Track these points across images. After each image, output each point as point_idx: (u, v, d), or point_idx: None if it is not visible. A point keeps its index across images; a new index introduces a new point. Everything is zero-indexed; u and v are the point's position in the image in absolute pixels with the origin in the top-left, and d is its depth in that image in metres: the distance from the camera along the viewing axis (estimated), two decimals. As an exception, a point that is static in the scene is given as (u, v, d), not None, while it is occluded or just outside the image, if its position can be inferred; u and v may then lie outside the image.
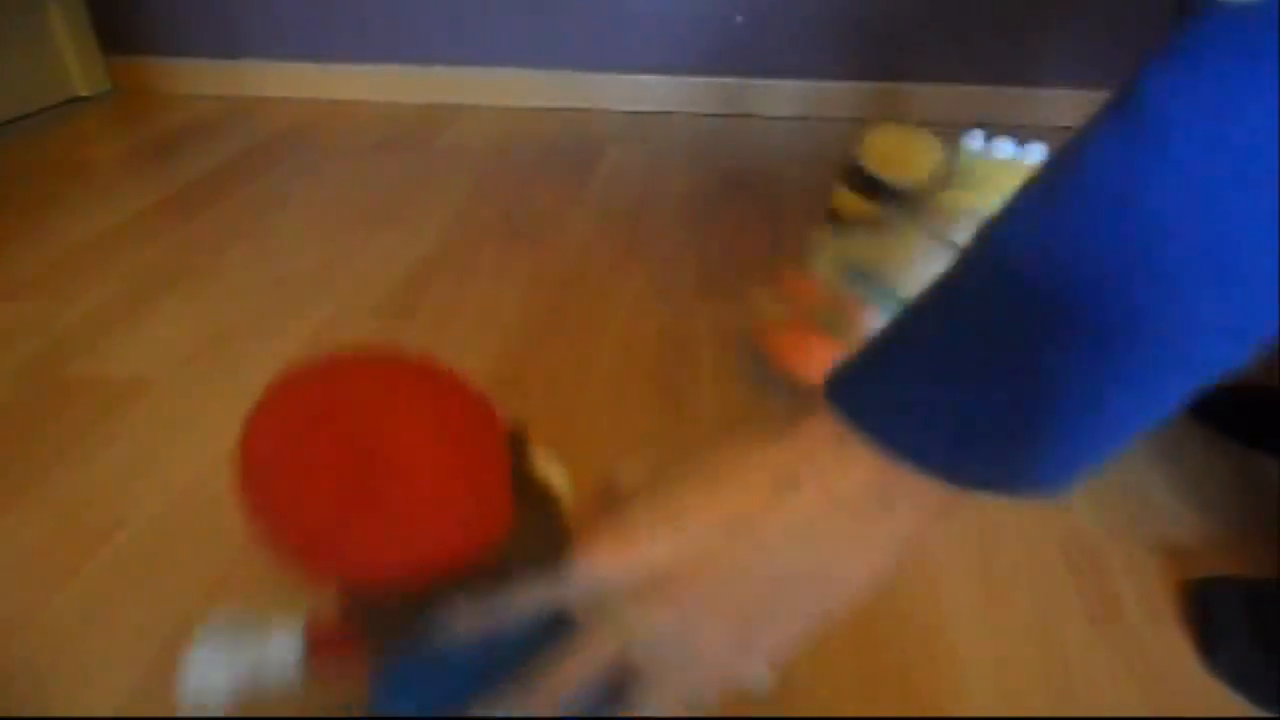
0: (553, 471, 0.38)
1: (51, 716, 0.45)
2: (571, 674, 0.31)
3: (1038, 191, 0.26)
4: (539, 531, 0.34)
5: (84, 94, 1.53)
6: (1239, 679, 0.48)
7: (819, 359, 0.60)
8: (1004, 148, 0.70)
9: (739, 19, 1.49)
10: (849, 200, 0.81)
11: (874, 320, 0.67)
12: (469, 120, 1.51)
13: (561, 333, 0.81)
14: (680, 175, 1.21)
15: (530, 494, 0.35)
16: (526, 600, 0.31)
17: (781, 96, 1.54)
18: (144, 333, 0.80)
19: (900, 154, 0.78)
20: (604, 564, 0.30)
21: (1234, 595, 0.52)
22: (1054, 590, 0.54)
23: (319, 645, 0.37)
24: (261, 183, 1.20)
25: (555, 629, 0.31)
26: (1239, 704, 0.47)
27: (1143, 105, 0.24)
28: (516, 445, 0.36)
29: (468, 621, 0.31)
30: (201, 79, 1.61)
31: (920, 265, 0.68)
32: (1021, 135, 0.74)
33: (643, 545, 0.30)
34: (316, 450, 0.31)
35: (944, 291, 0.28)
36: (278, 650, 0.38)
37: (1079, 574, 0.55)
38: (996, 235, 0.27)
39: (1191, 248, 0.23)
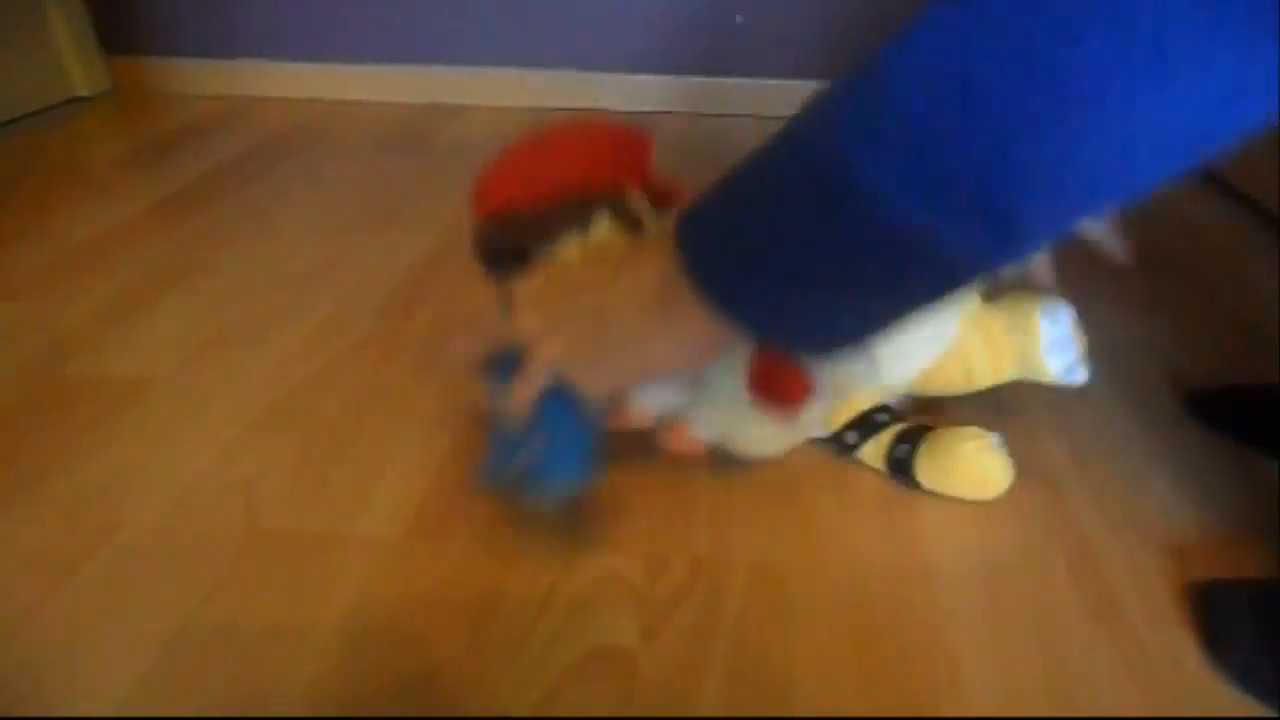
0: (646, 213, 0.52)
1: (51, 716, 0.45)
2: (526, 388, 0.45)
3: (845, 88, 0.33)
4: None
5: (84, 94, 1.53)
6: (1246, 679, 0.48)
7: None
8: None
9: (739, 19, 1.49)
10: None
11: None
12: (469, 120, 1.51)
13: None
14: (680, 175, 1.21)
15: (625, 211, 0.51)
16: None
17: (781, 96, 1.54)
18: (144, 333, 0.80)
19: None
20: (520, 321, 0.50)
21: (1238, 597, 0.52)
22: (1054, 590, 0.54)
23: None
24: (261, 183, 1.20)
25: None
26: (1239, 704, 0.47)
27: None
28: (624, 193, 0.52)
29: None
30: (201, 79, 1.61)
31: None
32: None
33: (534, 310, 0.48)
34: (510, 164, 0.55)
35: (758, 161, 0.35)
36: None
37: (1079, 574, 0.55)
38: (799, 120, 0.34)
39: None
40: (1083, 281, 0.93)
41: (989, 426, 0.61)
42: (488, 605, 0.51)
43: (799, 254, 0.32)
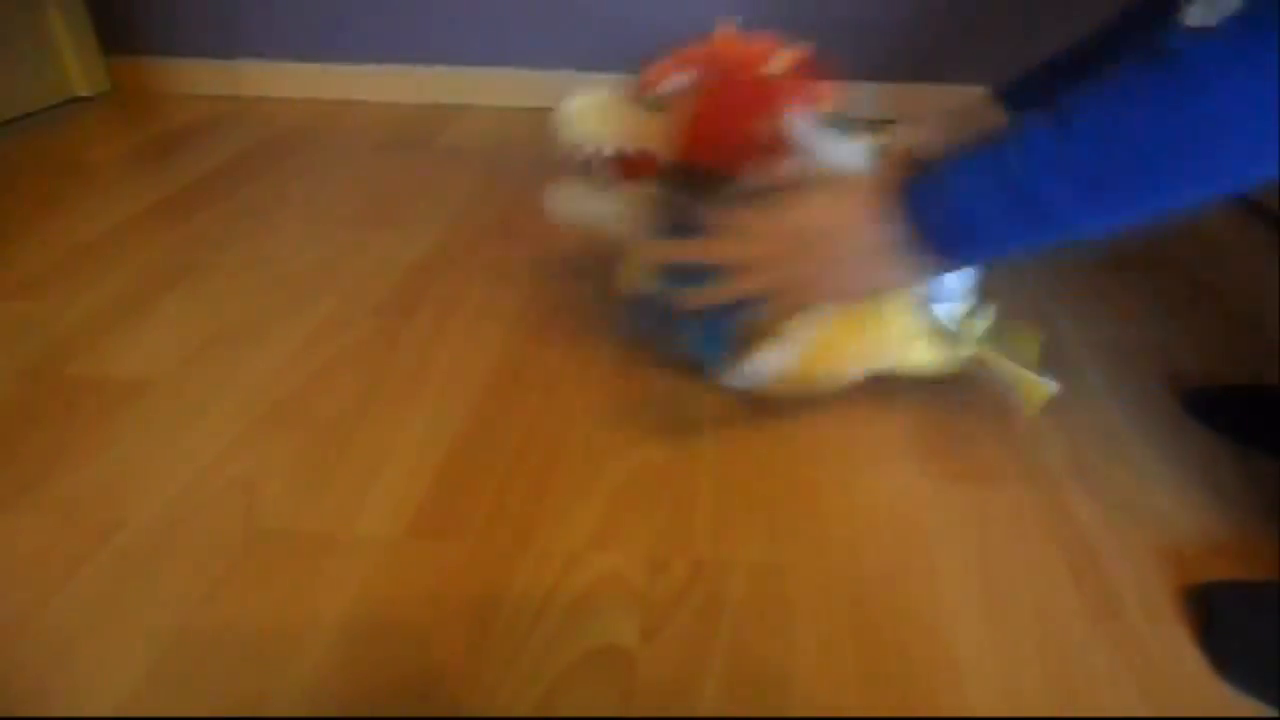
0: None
1: (51, 717, 0.45)
2: (712, 297, 0.56)
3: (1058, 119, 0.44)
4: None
5: (84, 94, 1.53)
6: (1245, 680, 0.48)
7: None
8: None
9: (738, 19, 1.49)
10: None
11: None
12: (469, 120, 1.51)
13: (562, 332, 0.81)
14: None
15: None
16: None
17: (781, 96, 1.54)
18: (144, 333, 0.80)
19: None
20: (720, 248, 0.56)
21: (1237, 597, 0.52)
22: (1054, 590, 0.54)
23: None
24: (261, 183, 1.20)
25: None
26: (1239, 704, 0.47)
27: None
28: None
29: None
30: (201, 79, 1.61)
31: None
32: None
33: (736, 241, 0.55)
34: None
35: (976, 164, 0.47)
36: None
37: (1079, 574, 0.55)
38: (1030, 134, 0.45)
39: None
40: (1083, 282, 0.94)
41: (989, 426, 0.61)
42: (488, 605, 0.51)
43: (998, 238, 0.47)
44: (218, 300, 0.87)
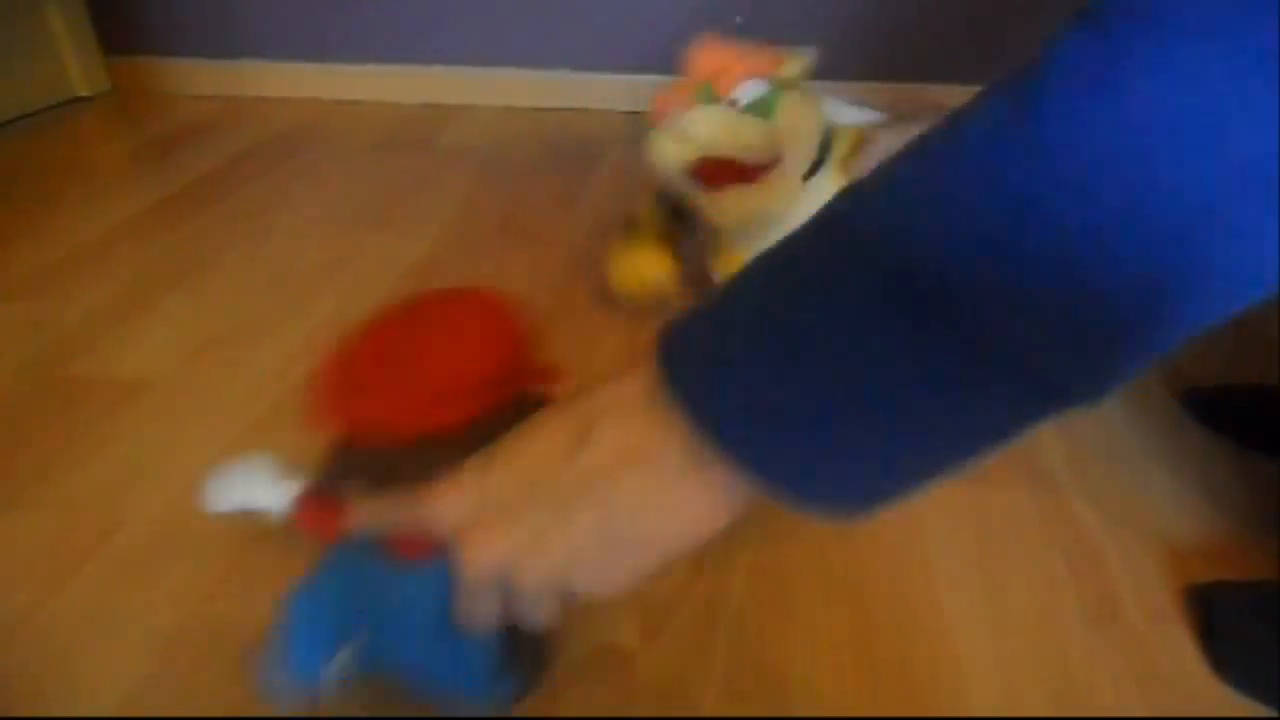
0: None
1: (51, 716, 0.45)
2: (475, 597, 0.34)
3: (908, 162, 0.24)
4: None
5: (84, 94, 1.53)
6: (1245, 680, 0.48)
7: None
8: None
9: (739, 20, 1.49)
10: (649, 215, 0.84)
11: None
12: (469, 120, 1.51)
13: (562, 332, 0.81)
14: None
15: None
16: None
17: (781, 96, 1.54)
18: (144, 333, 0.80)
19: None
20: (436, 503, 0.33)
21: (1237, 597, 0.52)
22: (1054, 590, 0.54)
23: (303, 507, 0.50)
24: (261, 183, 1.20)
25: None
26: (1239, 705, 0.47)
27: (1035, 75, 0.21)
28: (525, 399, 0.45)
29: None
30: (201, 79, 1.61)
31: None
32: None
33: (456, 491, 0.32)
34: (370, 343, 0.49)
35: (787, 256, 0.25)
36: (276, 496, 0.50)
37: (1079, 574, 0.55)
38: (846, 206, 0.24)
39: (1046, 242, 0.21)
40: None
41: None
42: (488, 605, 0.51)
43: (858, 386, 0.24)
44: (218, 300, 0.87)
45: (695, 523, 0.30)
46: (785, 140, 0.72)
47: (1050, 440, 0.67)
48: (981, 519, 0.59)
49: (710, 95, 0.71)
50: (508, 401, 0.45)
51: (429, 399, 0.45)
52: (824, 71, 1.52)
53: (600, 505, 0.29)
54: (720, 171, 0.72)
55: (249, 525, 0.57)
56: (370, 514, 0.37)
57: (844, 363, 0.23)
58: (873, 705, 0.46)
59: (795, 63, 0.75)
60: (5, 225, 1.03)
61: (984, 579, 0.54)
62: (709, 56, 0.74)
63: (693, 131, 0.71)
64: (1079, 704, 0.46)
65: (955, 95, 1.55)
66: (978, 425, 0.26)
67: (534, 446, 0.31)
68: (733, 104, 0.72)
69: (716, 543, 0.57)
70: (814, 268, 0.24)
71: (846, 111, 0.75)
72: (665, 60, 1.54)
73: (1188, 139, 0.19)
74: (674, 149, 0.72)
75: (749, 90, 0.71)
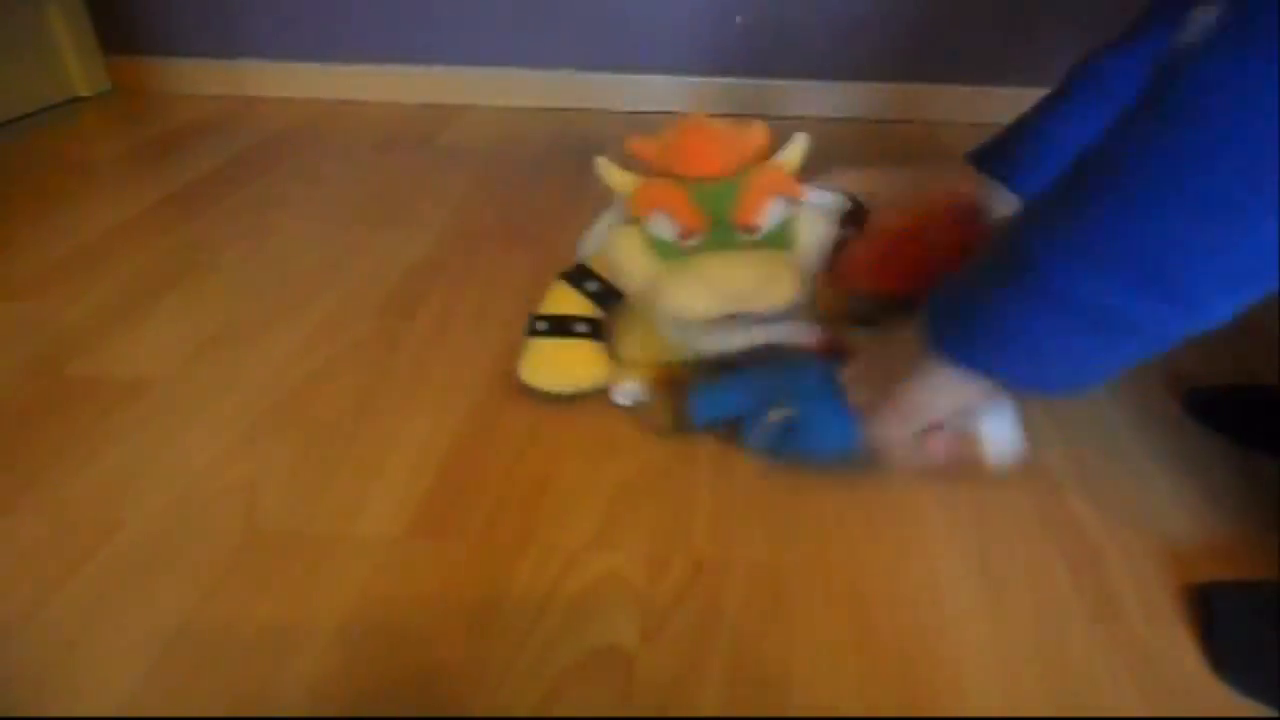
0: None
1: (51, 716, 0.45)
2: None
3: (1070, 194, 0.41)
4: None
5: (84, 94, 1.53)
6: (1245, 680, 0.48)
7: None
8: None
9: (739, 19, 1.49)
10: (565, 296, 0.70)
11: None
12: (469, 120, 1.51)
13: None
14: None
15: None
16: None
17: (781, 97, 1.55)
18: (144, 333, 0.80)
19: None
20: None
21: (1237, 597, 0.52)
22: (1054, 590, 0.54)
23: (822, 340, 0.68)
24: (261, 183, 1.20)
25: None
26: (1239, 705, 0.47)
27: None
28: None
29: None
30: (201, 79, 1.61)
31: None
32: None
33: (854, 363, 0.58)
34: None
35: (1001, 280, 0.43)
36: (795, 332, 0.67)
37: (1079, 574, 0.55)
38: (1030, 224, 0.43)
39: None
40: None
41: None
42: (488, 605, 0.51)
43: (1023, 334, 0.42)
44: (218, 300, 0.87)
45: (935, 400, 0.50)
46: (805, 269, 0.64)
47: (1050, 440, 0.67)
48: (981, 519, 0.59)
49: (722, 220, 0.62)
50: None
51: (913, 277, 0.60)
52: (824, 72, 1.53)
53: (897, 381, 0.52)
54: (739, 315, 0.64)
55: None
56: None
57: (1022, 311, 0.42)
58: (873, 705, 0.46)
59: (795, 151, 0.65)
60: (5, 225, 1.03)
61: (984, 579, 0.54)
62: (702, 146, 0.62)
63: (726, 285, 0.61)
64: (1079, 704, 0.46)
65: (955, 95, 1.55)
66: (1108, 359, 0.42)
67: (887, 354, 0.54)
68: (750, 231, 0.63)
69: (716, 543, 0.57)
70: (998, 270, 0.44)
71: (820, 199, 0.68)
72: (665, 60, 1.55)
73: None
74: (707, 303, 0.61)
75: (771, 215, 0.63)
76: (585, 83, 1.57)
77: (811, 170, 0.69)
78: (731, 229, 0.62)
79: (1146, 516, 0.60)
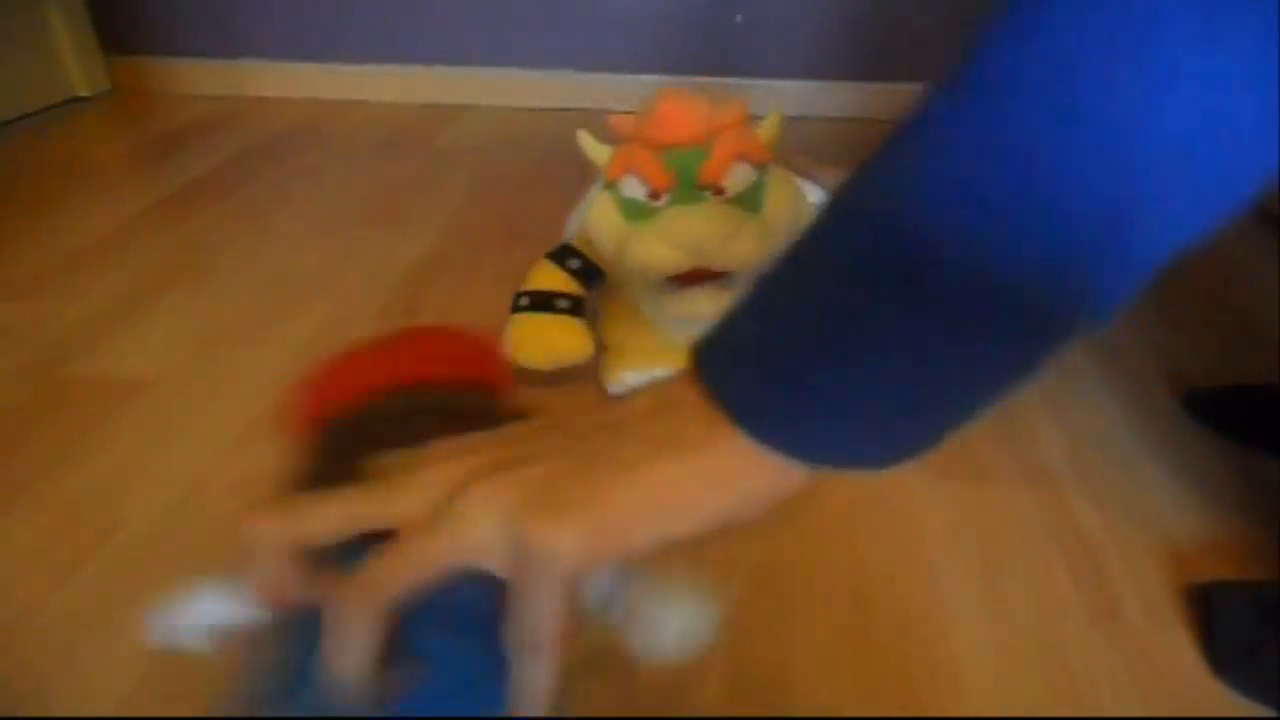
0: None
1: (51, 716, 0.45)
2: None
3: (875, 155, 0.25)
4: None
5: (84, 94, 1.53)
6: (1245, 680, 0.48)
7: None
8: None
9: (739, 19, 1.49)
10: (547, 273, 0.72)
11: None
12: (469, 120, 1.51)
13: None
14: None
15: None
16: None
17: (781, 96, 1.54)
18: (144, 333, 0.80)
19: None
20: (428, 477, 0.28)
21: (1238, 597, 0.52)
22: (1054, 590, 0.54)
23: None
24: (261, 183, 1.20)
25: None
26: (1239, 705, 0.47)
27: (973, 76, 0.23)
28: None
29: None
30: (201, 79, 1.61)
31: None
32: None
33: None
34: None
35: (789, 256, 0.27)
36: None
37: (1079, 574, 0.55)
38: (833, 202, 0.26)
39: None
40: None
41: (989, 426, 0.61)
42: (488, 605, 0.51)
43: (870, 347, 0.25)
44: (218, 300, 0.87)
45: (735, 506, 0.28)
46: (773, 233, 0.64)
47: (1051, 439, 0.67)
48: (981, 519, 0.59)
49: (690, 182, 0.63)
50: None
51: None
52: (823, 72, 1.53)
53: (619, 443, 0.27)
54: (704, 274, 0.64)
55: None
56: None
57: (834, 335, 0.25)
58: (873, 705, 0.46)
59: (771, 123, 0.67)
60: (5, 225, 1.03)
61: (984, 579, 0.54)
62: (674, 113, 0.65)
63: (685, 238, 0.62)
64: (1079, 704, 0.46)
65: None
66: (978, 376, 0.27)
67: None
68: (719, 193, 0.63)
69: (716, 543, 0.57)
70: (806, 258, 0.26)
71: (811, 190, 0.68)
72: (665, 60, 1.55)
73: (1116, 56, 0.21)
74: (667, 255, 0.62)
75: (739, 178, 0.64)
76: (585, 83, 1.57)
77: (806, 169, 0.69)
78: (701, 192, 0.63)
79: (1146, 516, 0.60)
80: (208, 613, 0.37)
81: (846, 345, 0.25)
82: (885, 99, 1.53)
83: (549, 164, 1.29)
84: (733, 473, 0.27)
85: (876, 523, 0.59)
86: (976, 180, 0.23)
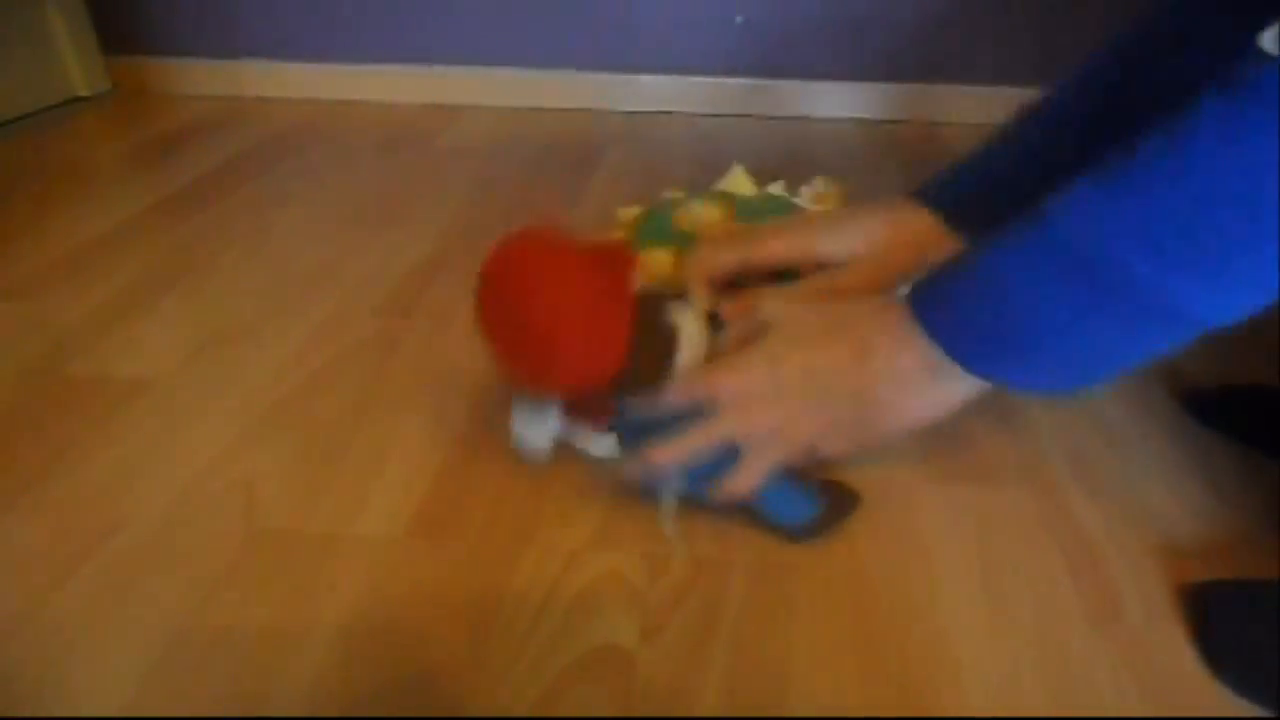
0: (686, 320, 0.53)
1: (51, 717, 0.45)
2: (697, 442, 0.50)
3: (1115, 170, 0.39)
4: (649, 369, 0.51)
5: (84, 94, 1.53)
6: (1244, 681, 0.48)
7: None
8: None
9: (739, 19, 1.49)
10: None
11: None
12: (469, 120, 1.51)
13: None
14: (680, 175, 1.21)
15: (652, 340, 0.51)
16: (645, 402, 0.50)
17: (782, 97, 1.55)
18: (144, 333, 0.80)
19: None
20: (718, 380, 0.49)
21: (1237, 597, 0.52)
22: (1054, 590, 0.54)
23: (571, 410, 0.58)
24: (261, 183, 1.20)
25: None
26: (1239, 705, 0.47)
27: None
28: (647, 302, 0.52)
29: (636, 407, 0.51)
30: (201, 79, 1.61)
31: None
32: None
33: (751, 372, 0.49)
34: (493, 319, 0.52)
35: (1011, 244, 0.42)
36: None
37: (1079, 574, 0.55)
38: (1065, 201, 0.40)
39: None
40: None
41: (989, 426, 0.61)
42: (488, 605, 0.51)
43: (1063, 331, 0.41)
44: (218, 300, 0.87)
45: (933, 413, 0.49)
46: None
47: (1050, 440, 0.67)
48: (981, 519, 0.59)
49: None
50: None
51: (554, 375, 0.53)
52: (824, 72, 1.53)
53: (855, 398, 0.48)
54: None
55: (251, 524, 0.57)
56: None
57: (1030, 307, 0.42)
58: (873, 705, 0.46)
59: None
60: (5, 225, 1.03)
61: (984, 579, 0.54)
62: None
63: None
64: (1079, 704, 0.46)
65: (957, 95, 1.55)
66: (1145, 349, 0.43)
67: (821, 358, 0.48)
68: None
69: (716, 543, 0.57)
70: (1012, 242, 0.42)
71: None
72: (665, 60, 1.55)
73: None
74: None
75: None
76: (585, 83, 1.57)
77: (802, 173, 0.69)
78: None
79: (1146, 516, 0.60)
80: (551, 428, 0.58)
81: (1055, 334, 0.42)
82: (886, 99, 1.53)
83: (549, 164, 1.29)
84: (952, 405, 0.49)
85: (876, 523, 0.59)
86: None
